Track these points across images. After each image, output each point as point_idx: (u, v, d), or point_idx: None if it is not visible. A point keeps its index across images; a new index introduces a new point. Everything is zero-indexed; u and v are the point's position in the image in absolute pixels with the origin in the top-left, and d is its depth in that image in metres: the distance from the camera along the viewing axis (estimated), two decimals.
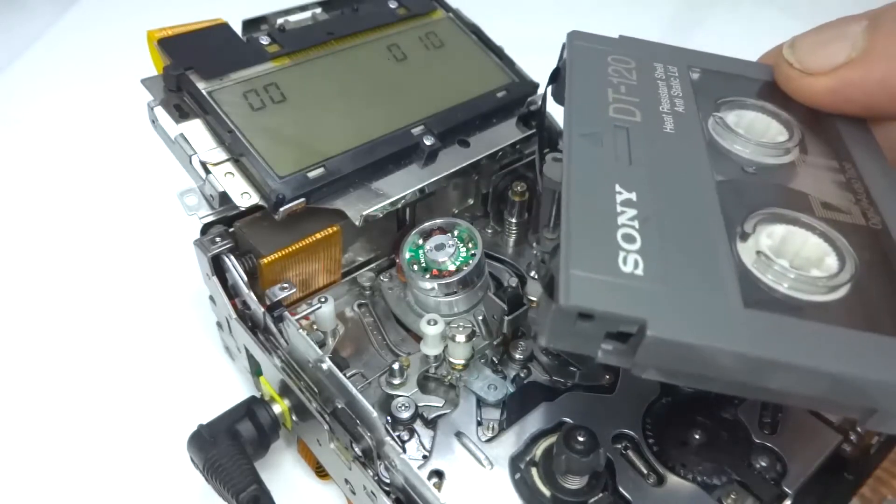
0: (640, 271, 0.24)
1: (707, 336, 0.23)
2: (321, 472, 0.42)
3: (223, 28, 0.42)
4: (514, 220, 0.46)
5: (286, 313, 0.36)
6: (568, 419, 0.36)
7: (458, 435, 0.35)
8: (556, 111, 0.48)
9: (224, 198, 0.37)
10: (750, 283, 0.25)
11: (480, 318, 0.40)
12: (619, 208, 0.26)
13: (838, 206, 0.29)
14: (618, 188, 0.27)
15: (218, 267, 0.39)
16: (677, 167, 0.29)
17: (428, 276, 0.40)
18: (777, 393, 0.23)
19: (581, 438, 0.31)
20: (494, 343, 0.39)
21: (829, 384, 0.23)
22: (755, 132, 0.32)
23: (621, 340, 0.24)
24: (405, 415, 0.35)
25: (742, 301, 0.24)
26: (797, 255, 0.27)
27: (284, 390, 0.38)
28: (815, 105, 0.33)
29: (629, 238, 0.25)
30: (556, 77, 0.37)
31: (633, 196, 0.27)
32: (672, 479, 0.33)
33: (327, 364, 0.34)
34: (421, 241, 0.41)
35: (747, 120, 0.33)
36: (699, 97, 0.34)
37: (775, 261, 0.25)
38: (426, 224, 0.42)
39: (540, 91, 0.47)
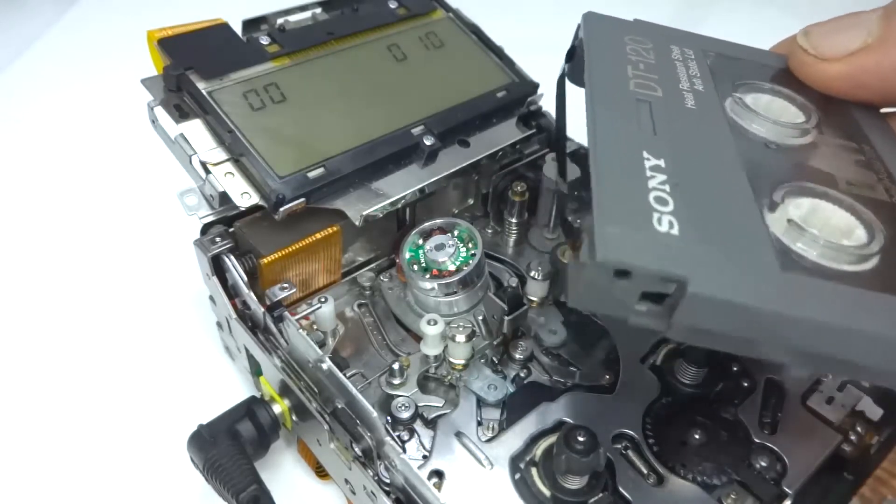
0: (675, 231, 0.23)
1: (748, 295, 0.22)
2: (321, 472, 0.42)
3: (223, 28, 0.42)
4: (514, 220, 0.46)
5: (286, 313, 0.36)
6: (568, 419, 0.36)
7: (458, 435, 0.35)
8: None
9: (224, 198, 0.37)
10: (781, 252, 0.25)
11: (480, 318, 0.40)
12: (648, 173, 0.26)
13: (862, 182, 0.29)
14: (645, 154, 0.27)
15: (218, 267, 0.39)
16: (702, 140, 0.29)
17: (428, 276, 0.40)
18: (815, 356, 0.23)
19: (581, 438, 0.31)
20: (494, 343, 0.39)
21: (869, 346, 0.22)
22: (773, 113, 0.32)
23: (656, 302, 0.23)
24: (405, 415, 0.35)
25: (779, 264, 0.24)
26: (825, 226, 0.26)
27: (284, 390, 0.38)
28: (830, 91, 0.33)
29: (661, 201, 0.25)
30: (572, 56, 0.36)
31: (662, 163, 0.26)
32: (672, 479, 0.33)
33: (327, 364, 0.34)
34: (421, 241, 0.41)
35: (764, 102, 0.33)
36: (716, 79, 0.34)
37: (806, 229, 0.25)
38: (426, 224, 0.42)
39: (541, 91, 0.47)
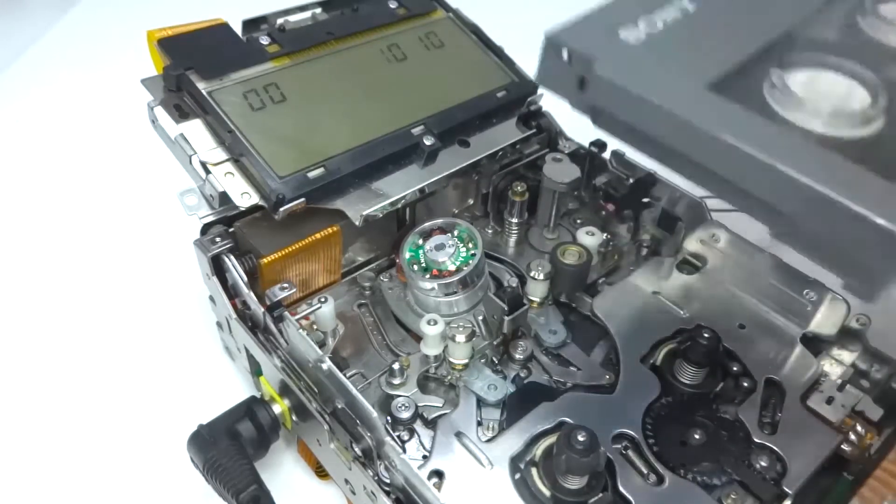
0: (638, 39, 0.25)
1: (650, 90, 0.24)
2: (321, 472, 0.42)
3: (223, 28, 0.42)
4: (514, 220, 0.46)
5: (286, 313, 0.36)
6: (568, 419, 0.36)
7: (458, 435, 0.35)
8: (555, 112, 0.49)
9: (224, 198, 0.37)
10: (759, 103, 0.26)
11: (480, 318, 0.40)
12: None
13: None
14: None
15: (218, 267, 0.39)
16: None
17: (428, 276, 0.40)
18: (716, 178, 0.24)
19: (581, 438, 0.31)
20: (494, 343, 0.39)
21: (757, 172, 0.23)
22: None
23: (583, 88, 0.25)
24: (405, 415, 0.35)
25: (706, 85, 0.25)
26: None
27: (284, 390, 0.38)
28: None
29: (653, 23, 0.26)
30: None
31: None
32: (672, 479, 0.33)
33: (327, 364, 0.34)
34: (421, 241, 0.41)
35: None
36: None
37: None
38: (426, 224, 0.42)
39: (540, 91, 0.47)
